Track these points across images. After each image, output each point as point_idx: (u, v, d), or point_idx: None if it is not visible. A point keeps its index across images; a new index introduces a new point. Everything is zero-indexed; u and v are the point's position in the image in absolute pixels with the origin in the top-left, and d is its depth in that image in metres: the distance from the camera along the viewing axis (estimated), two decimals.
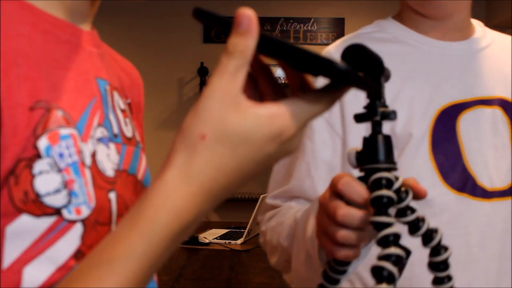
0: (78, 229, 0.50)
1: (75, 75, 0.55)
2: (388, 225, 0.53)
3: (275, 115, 0.45)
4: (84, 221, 0.50)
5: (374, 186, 0.56)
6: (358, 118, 0.57)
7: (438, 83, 1.00)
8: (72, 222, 0.49)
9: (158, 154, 1.46)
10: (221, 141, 0.44)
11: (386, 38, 1.05)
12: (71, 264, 0.50)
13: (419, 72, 1.00)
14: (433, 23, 1.04)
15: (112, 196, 0.55)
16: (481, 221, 0.94)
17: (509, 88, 1.03)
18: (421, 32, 1.05)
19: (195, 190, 0.44)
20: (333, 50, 1.04)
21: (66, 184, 0.49)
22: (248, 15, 0.44)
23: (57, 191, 0.48)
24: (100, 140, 0.55)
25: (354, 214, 0.63)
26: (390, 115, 0.56)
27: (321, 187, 0.96)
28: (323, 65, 0.44)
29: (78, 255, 0.50)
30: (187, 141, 0.44)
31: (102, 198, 0.53)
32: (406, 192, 0.58)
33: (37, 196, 0.47)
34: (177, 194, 0.44)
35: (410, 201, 0.58)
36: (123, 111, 0.64)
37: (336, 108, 0.98)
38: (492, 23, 4.44)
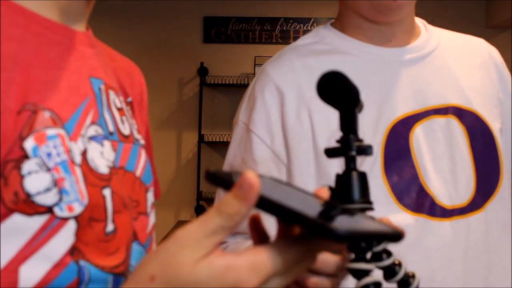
0: (71, 226, 0.50)
1: (67, 75, 0.55)
2: (367, 272, 0.48)
3: (231, 266, 0.42)
4: (77, 218, 0.51)
5: None
6: (330, 152, 0.52)
7: (385, 95, 0.91)
8: (65, 219, 0.50)
9: (157, 154, 1.46)
10: (168, 286, 0.41)
11: (324, 50, 0.95)
12: (66, 261, 0.50)
13: (364, 84, 0.87)
14: (379, 27, 0.95)
15: (107, 192, 0.55)
16: (442, 243, 0.86)
17: (462, 93, 0.95)
18: (363, 39, 0.96)
19: None
20: (269, 67, 0.95)
21: (56, 183, 0.49)
22: (250, 182, 0.41)
23: (47, 189, 0.49)
24: (93, 138, 0.56)
25: (328, 260, 0.57)
26: (367, 150, 0.51)
27: (269, 223, 0.89)
28: (322, 231, 0.40)
29: (74, 251, 0.51)
30: (136, 278, 0.43)
31: (95, 195, 0.53)
32: None
33: (28, 195, 0.48)
34: None
35: (386, 244, 0.52)
36: (119, 109, 0.64)
37: (279, 134, 0.91)
38: (492, 23, 4.44)
